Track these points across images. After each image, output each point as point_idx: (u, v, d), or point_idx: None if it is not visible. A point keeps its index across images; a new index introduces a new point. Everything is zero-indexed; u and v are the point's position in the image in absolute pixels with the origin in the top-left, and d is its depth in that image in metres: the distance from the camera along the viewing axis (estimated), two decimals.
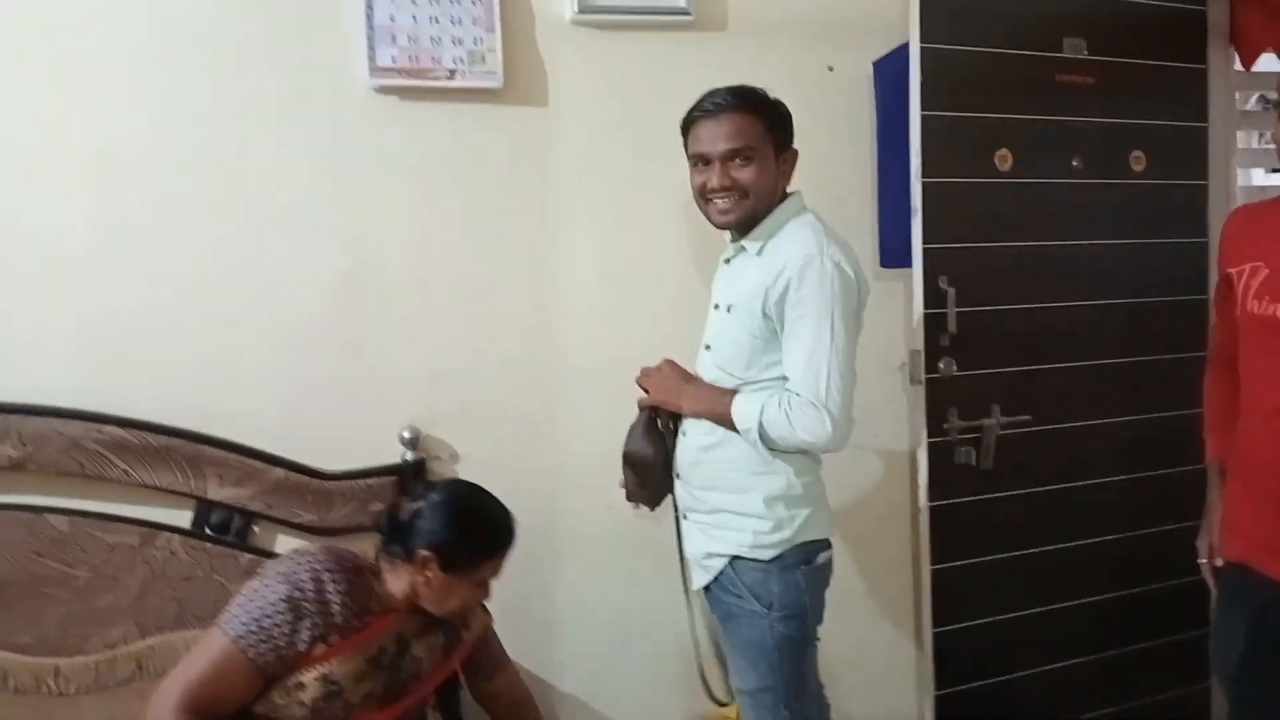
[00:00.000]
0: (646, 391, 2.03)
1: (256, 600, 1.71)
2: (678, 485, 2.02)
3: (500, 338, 2.45)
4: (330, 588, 1.73)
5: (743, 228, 1.91)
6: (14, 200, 2.15)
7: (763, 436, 1.82)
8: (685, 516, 2.02)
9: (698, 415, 1.93)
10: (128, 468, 2.17)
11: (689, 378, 2.00)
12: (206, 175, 2.24)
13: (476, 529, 1.86)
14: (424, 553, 1.79)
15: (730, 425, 1.86)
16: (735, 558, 1.89)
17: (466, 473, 2.42)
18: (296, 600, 1.70)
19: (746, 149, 1.83)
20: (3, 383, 2.14)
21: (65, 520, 2.16)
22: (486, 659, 2.07)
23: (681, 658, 2.58)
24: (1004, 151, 2.60)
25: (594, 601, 2.53)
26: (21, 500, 2.16)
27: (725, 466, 1.90)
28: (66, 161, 2.17)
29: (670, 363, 2.04)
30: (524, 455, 2.47)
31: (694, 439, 1.96)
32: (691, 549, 2.01)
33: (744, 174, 1.84)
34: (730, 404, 1.86)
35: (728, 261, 2.01)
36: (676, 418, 2.01)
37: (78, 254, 2.19)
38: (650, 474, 2.03)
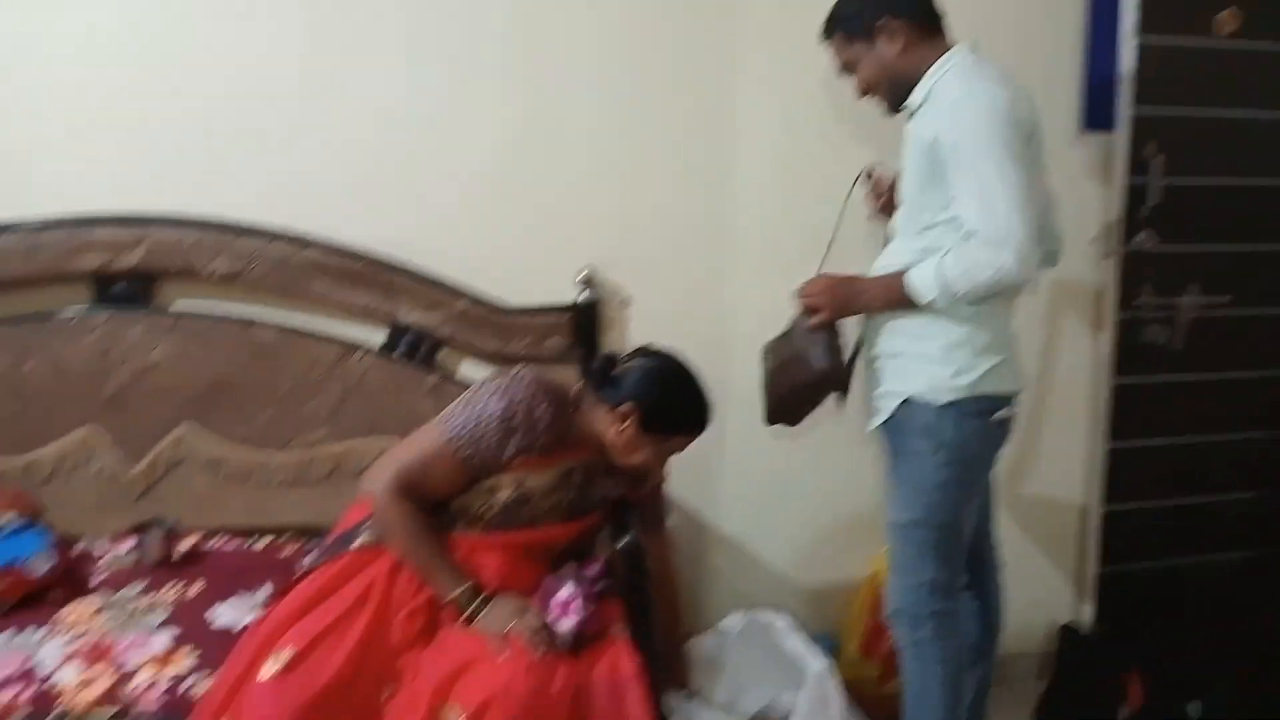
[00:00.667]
0: (812, 312, 1.98)
1: (476, 408, 1.84)
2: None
3: (680, 194, 2.47)
4: (539, 411, 1.85)
5: (898, 103, 1.93)
6: (259, 48, 2.30)
7: (948, 294, 1.80)
8: (862, 355, 2.02)
9: (877, 310, 1.93)
10: (328, 288, 2.33)
11: (852, 278, 1.97)
12: (405, 25, 2.32)
13: (682, 403, 1.94)
14: (628, 405, 1.88)
15: (911, 305, 1.85)
16: (910, 399, 1.89)
17: (636, 318, 2.49)
18: (510, 416, 1.82)
19: (846, 65, 1.96)
20: (222, 203, 2.31)
21: (273, 332, 2.34)
22: (649, 516, 2.14)
23: (835, 514, 2.63)
24: (1230, 11, 2.40)
25: (756, 451, 2.58)
26: (235, 312, 2.35)
27: (907, 313, 1.89)
28: (280, 6, 2.30)
29: (826, 274, 2.01)
30: (692, 307, 2.51)
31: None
32: (868, 388, 2.01)
33: (860, 80, 1.95)
34: (905, 282, 1.84)
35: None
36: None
37: (290, 94, 2.32)
38: (826, 393, 2.02)
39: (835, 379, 1.99)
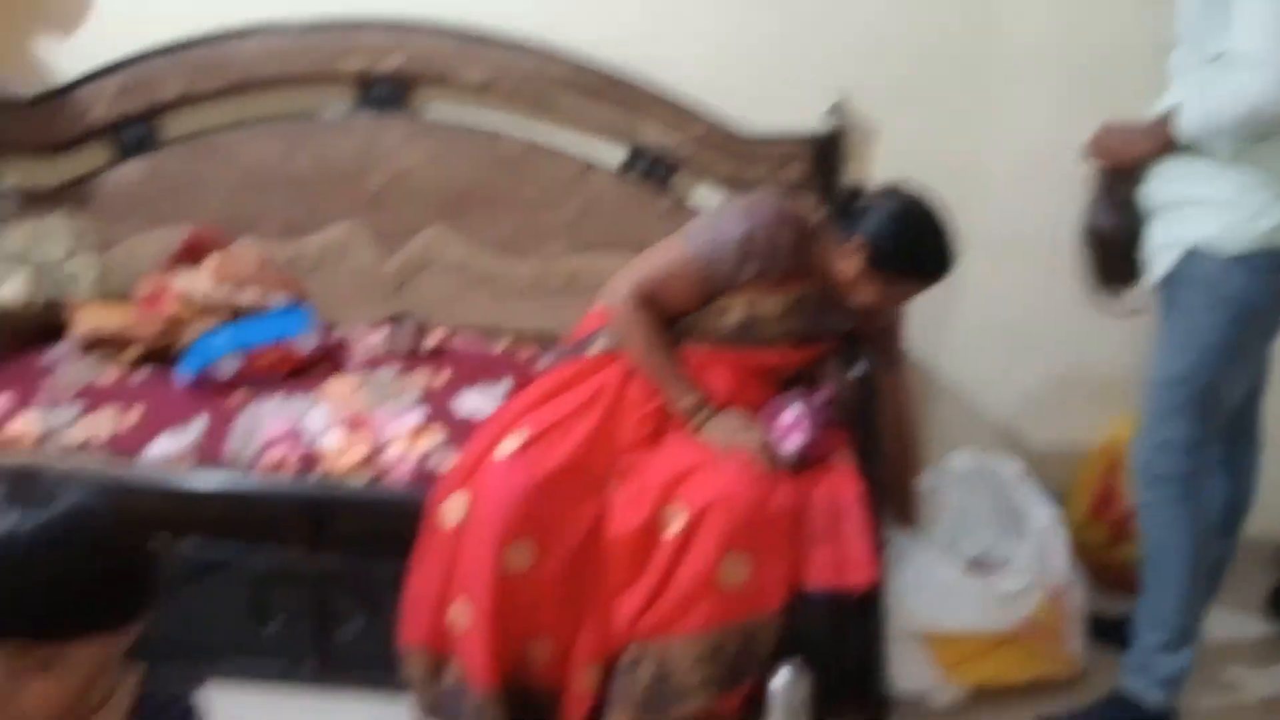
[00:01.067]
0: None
1: (720, 226, 1.86)
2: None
3: (934, 11, 2.31)
4: (780, 238, 1.83)
5: None
6: None
7: (1210, 127, 1.62)
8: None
9: (1151, 155, 1.74)
10: (574, 103, 2.34)
11: (1124, 123, 1.80)
12: None
13: (918, 245, 1.86)
14: (861, 239, 1.82)
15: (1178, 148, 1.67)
16: (1195, 250, 1.71)
17: (884, 151, 2.38)
18: (751, 239, 1.82)
19: None
20: (479, 12, 2.34)
21: (519, 145, 2.39)
22: (883, 353, 2.08)
23: (1075, 371, 2.49)
24: None
25: (998, 301, 2.46)
26: (485, 122, 2.41)
27: (1192, 156, 1.70)
28: None
29: (1106, 122, 1.83)
30: (946, 142, 2.37)
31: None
32: (1149, 240, 1.81)
33: None
34: (1171, 119, 1.65)
35: None
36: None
37: None
38: (1112, 251, 1.86)
39: (1119, 240, 1.83)
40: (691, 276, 1.85)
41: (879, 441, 1.88)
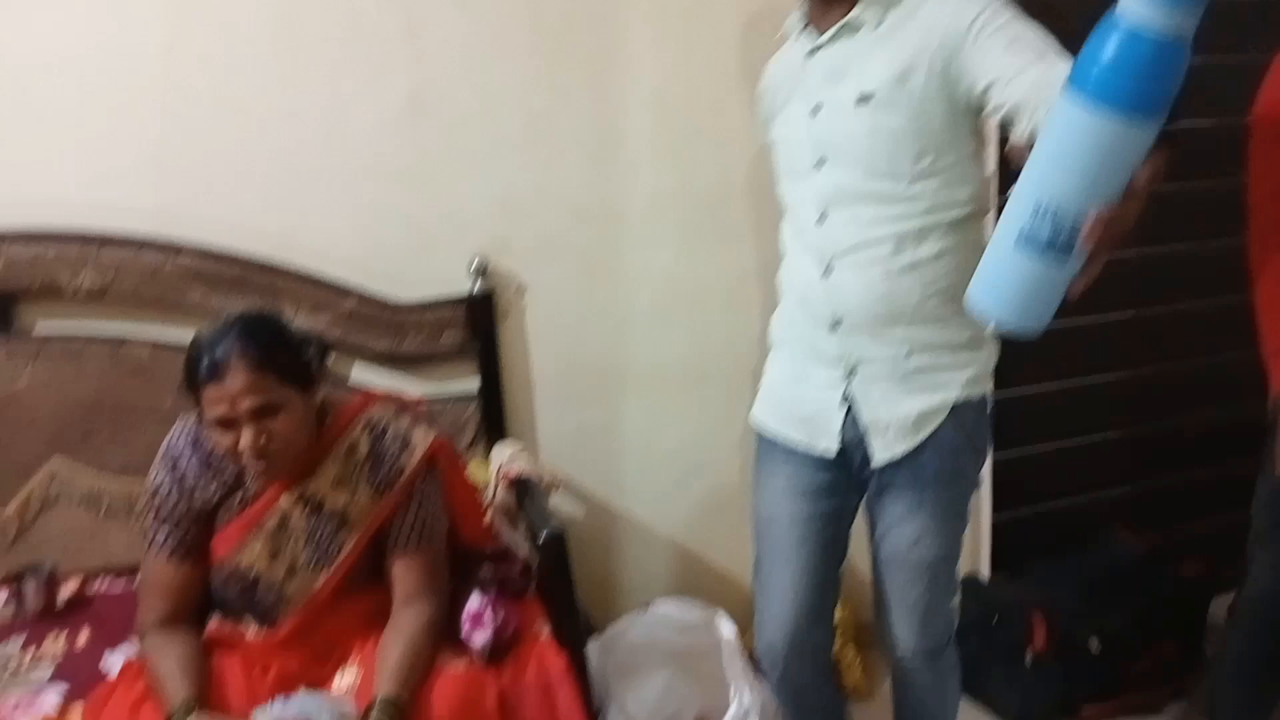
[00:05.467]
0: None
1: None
2: (835, 339, 1.71)
3: (565, 168, 2.41)
4: (179, 467, 1.70)
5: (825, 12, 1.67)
6: (84, 29, 2.11)
7: None
8: (852, 376, 1.73)
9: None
10: (204, 296, 2.20)
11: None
12: (272, 2, 2.18)
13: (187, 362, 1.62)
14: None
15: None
16: (957, 404, 1.68)
17: (535, 305, 2.44)
18: (150, 494, 1.72)
19: None
20: (81, 213, 2.14)
21: (147, 350, 2.19)
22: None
23: (739, 494, 2.63)
24: None
25: (657, 433, 2.56)
26: (105, 329, 2.19)
27: (924, 290, 1.64)
28: None
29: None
30: (590, 288, 2.47)
31: (860, 270, 1.66)
32: (879, 414, 1.71)
33: None
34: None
35: (813, 52, 1.70)
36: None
37: (149, 84, 2.15)
38: None
39: None
40: (151, 573, 1.68)
41: (574, 601, 1.87)
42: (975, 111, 1.58)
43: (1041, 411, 2.69)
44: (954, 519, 1.77)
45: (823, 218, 1.68)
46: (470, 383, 2.41)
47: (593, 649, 1.92)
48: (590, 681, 1.81)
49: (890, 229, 1.62)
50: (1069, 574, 2.57)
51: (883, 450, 1.71)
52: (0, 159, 2.11)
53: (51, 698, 1.70)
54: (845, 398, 1.73)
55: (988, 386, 1.74)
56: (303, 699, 1.47)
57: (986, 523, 2.72)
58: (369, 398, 1.81)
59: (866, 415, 1.71)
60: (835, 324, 1.70)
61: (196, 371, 1.58)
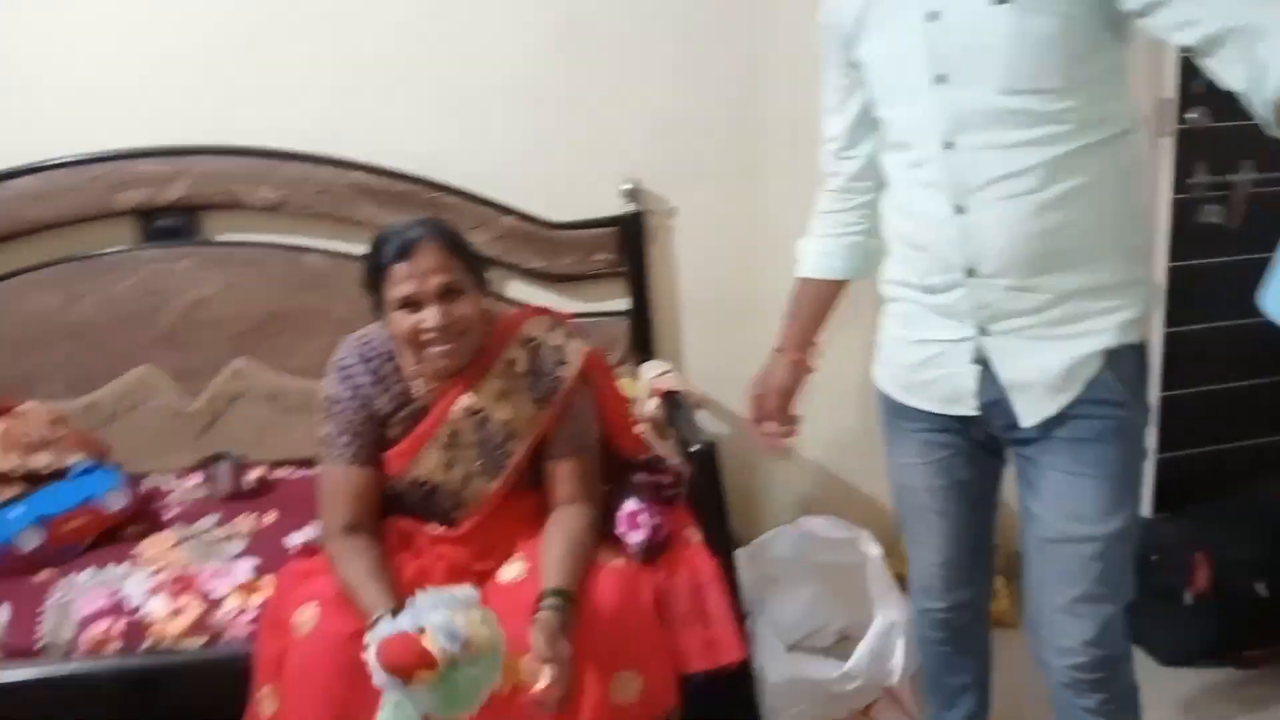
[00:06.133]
0: None
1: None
2: (966, 291, 1.46)
3: (716, 92, 2.41)
4: (351, 377, 1.77)
5: None
6: None
7: None
8: (985, 333, 1.48)
9: None
10: (374, 211, 2.30)
11: None
12: None
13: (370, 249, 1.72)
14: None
15: None
16: (1113, 350, 1.43)
17: (684, 228, 2.46)
18: (326, 401, 1.78)
19: None
20: (261, 130, 2.27)
21: (322, 259, 2.32)
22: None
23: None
24: None
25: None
26: (282, 240, 2.33)
27: (1079, 226, 1.41)
28: None
29: None
30: (738, 211, 2.47)
31: (1003, 207, 1.40)
32: (1024, 372, 1.46)
33: None
34: None
35: None
36: None
37: (323, 12, 2.27)
38: None
39: None
40: (333, 479, 1.75)
41: (725, 509, 1.90)
42: (1136, 14, 1.31)
43: (1214, 350, 2.57)
44: (1124, 488, 1.47)
45: (950, 146, 1.42)
46: (620, 303, 2.46)
47: (739, 558, 1.95)
48: (738, 588, 1.85)
49: (1038, 155, 1.38)
50: (1234, 518, 2.47)
51: (1029, 411, 1.46)
52: (184, 83, 2.25)
53: (244, 569, 1.86)
54: (978, 355, 1.48)
55: (1146, 331, 1.49)
56: (419, 602, 1.51)
57: (1151, 460, 2.62)
58: (524, 312, 1.87)
59: (1006, 374, 1.47)
60: (969, 272, 1.44)
61: (385, 252, 1.67)
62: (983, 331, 1.47)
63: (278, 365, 2.32)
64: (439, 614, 1.49)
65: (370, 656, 1.45)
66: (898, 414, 1.64)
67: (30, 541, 1.87)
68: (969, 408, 1.51)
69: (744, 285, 2.48)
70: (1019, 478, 1.55)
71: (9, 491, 1.97)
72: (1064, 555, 1.49)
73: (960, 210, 1.43)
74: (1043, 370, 1.44)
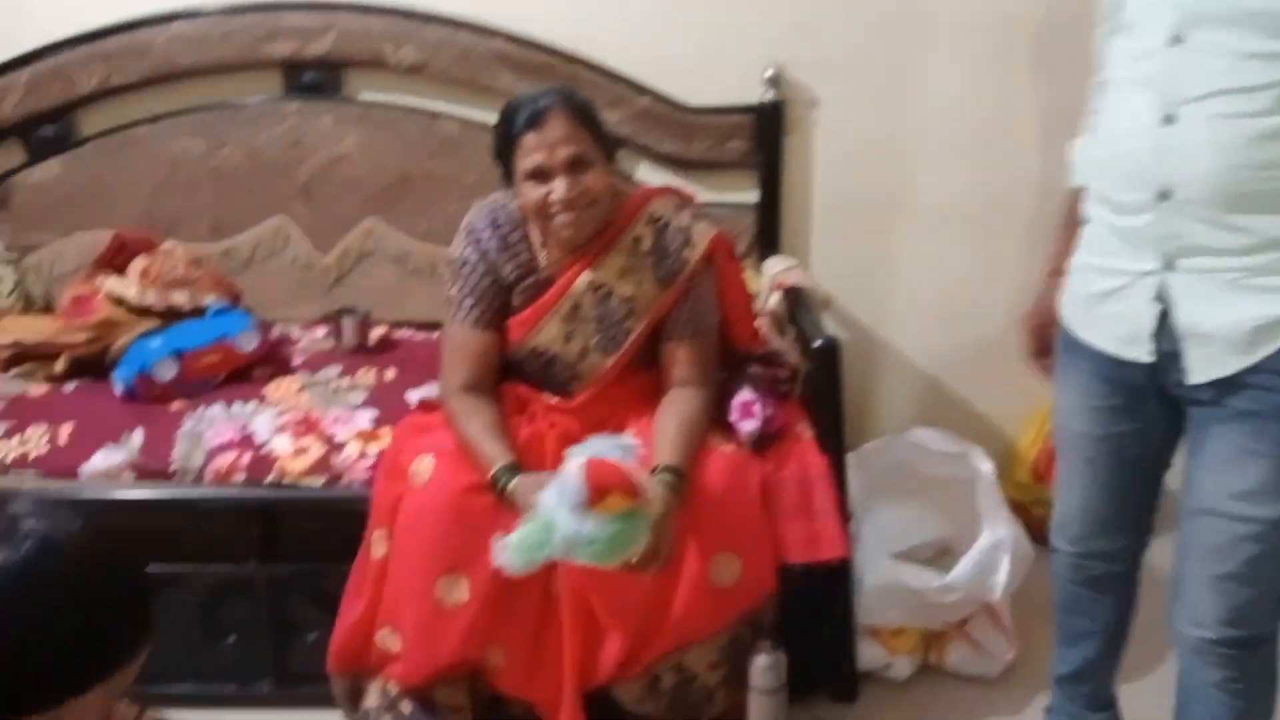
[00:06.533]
0: None
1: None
2: (1155, 216, 1.33)
3: None
4: (480, 241, 1.79)
5: None
6: None
7: None
8: (1171, 269, 1.35)
9: None
10: (511, 81, 2.28)
11: None
12: None
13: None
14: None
15: None
16: None
17: (824, 122, 2.38)
18: (454, 263, 1.80)
19: None
20: None
21: (457, 125, 2.33)
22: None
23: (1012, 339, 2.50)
24: None
25: (932, 268, 2.46)
26: (420, 104, 2.34)
27: None
28: None
29: None
30: (882, 108, 2.37)
31: (1217, 124, 1.27)
32: (1205, 320, 1.33)
33: None
34: None
35: None
36: None
37: None
38: None
39: None
40: (456, 339, 1.77)
41: (841, 408, 1.87)
42: None
43: None
44: None
45: (1177, 41, 1.28)
46: (749, 194, 2.40)
47: (848, 462, 1.92)
48: (845, 488, 1.83)
49: (1274, 72, 1.23)
50: None
51: (1203, 366, 1.34)
52: None
53: (364, 418, 1.92)
54: (1160, 293, 1.36)
55: None
56: (597, 441, 1.58)
57: None
58: (652, 191, 1.85)
59: (1184, 318, 1.34)
60: (1162, 195, 1.31)
61: (514, 122, 1.66)
62: (1168, 266, 1.34)
63: (406, 228, 2.35)
64: (629, 459, 1.54)
65: (571, 470, 1.48)
66: (1071, 349, 1.51)
67: (167, 372, 1.96)
68: (1144, 353, 1.38)
69: (883, 187, 2.39)
70: (1186, 436, 1.44)
71: (148, 325, 2.06)
72: (1216, 529, 1.38)
73: (1169, 120, 1.30)
74: (1227, 323, 1.31)
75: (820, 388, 1.87)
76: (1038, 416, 2.39)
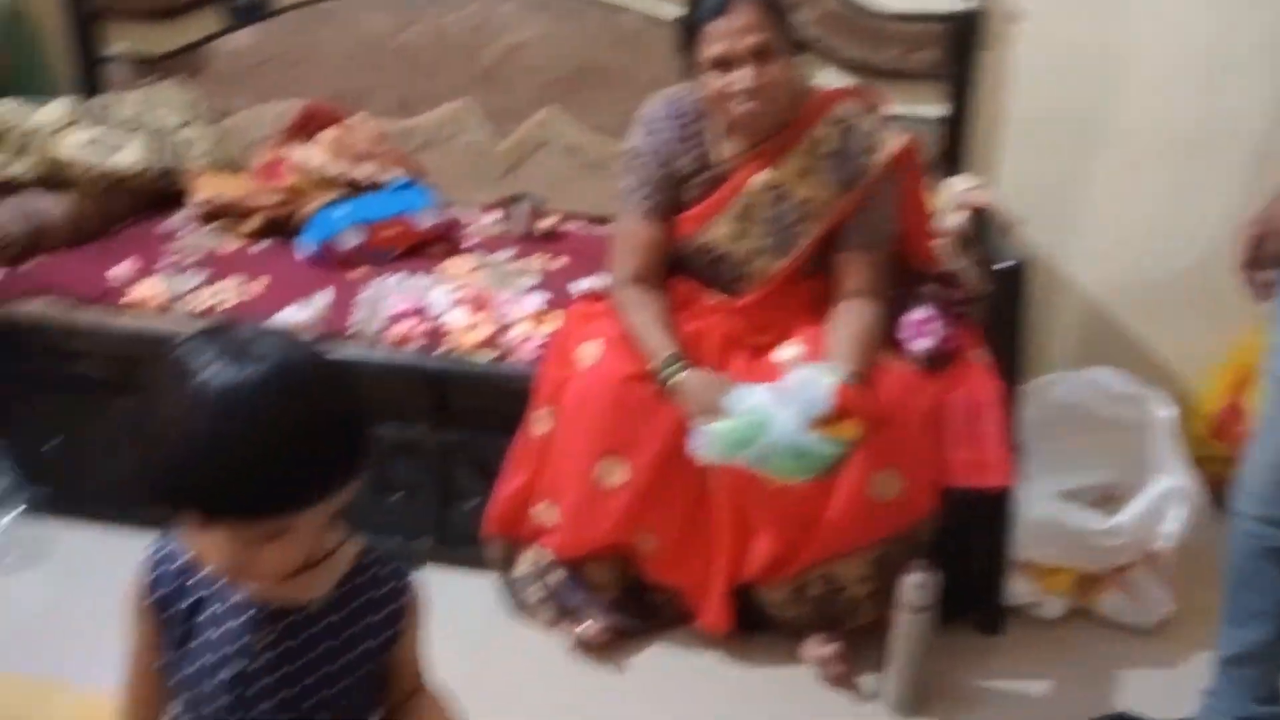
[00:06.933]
0: None
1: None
2: None
3: None
4: (657, 130, 1.79)
5: None
6: None
7: None
8: None
9: None
10: None
11: None
12: None
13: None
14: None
15: None
16: None
17: (1026, 35, 2.24)
18: (629, 152, 1.82)
19: None
20: None
21: (639, 19, 2.29)
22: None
23: (1205, 283, 2.35)
24: None
25: (1128, 199, 2.32)
26: None
27: None
28: None
29: None
30: (1092, 26, 2.22)
31: None
32: None
33: None
34: None
35: None
36: None
37: None
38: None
39: None
40: (627, 230, 1.77)
41: (1020, 334, 1.80)
42: None
43: None
44: None
45: None
46: (936, 108, 2.30)
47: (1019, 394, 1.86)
48: (1016, 418, 1.77)
49: None
50: None
51: None
52: None
53: (534, 301, 1.95)
54: None
55: None
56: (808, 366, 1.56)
57: None
58: (839, 92, 1.79)
59: None
60: None
61: (701, 9, 1.63)
62: None
63: (582, 120, 2.35)
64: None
65: (805, 383, 1.52)
66: None
67: (351, 240, 2.04)
68: None
69: (1085, 108, 2.25)
70: None
71: (333, 194, 2.13)
72: None
73: None
74: None
75: (1000, 313, 1.80)
76: (1226, 368, 2.25)
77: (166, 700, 1.01)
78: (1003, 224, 2.05)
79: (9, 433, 2.02)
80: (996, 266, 1.79)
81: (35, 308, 1.98)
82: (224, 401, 0.80)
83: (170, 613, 0.96)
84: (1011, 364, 1.79)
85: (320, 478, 0.84)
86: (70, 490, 2.04)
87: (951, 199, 2.10)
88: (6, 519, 1.97)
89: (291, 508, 0.83)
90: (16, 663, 1.68)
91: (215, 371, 0.81)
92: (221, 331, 0.86)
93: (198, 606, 0.96)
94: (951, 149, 2.29)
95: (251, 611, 0.95)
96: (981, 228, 2.01)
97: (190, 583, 0.96)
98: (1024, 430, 1.84)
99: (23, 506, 2.00)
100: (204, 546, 0.91)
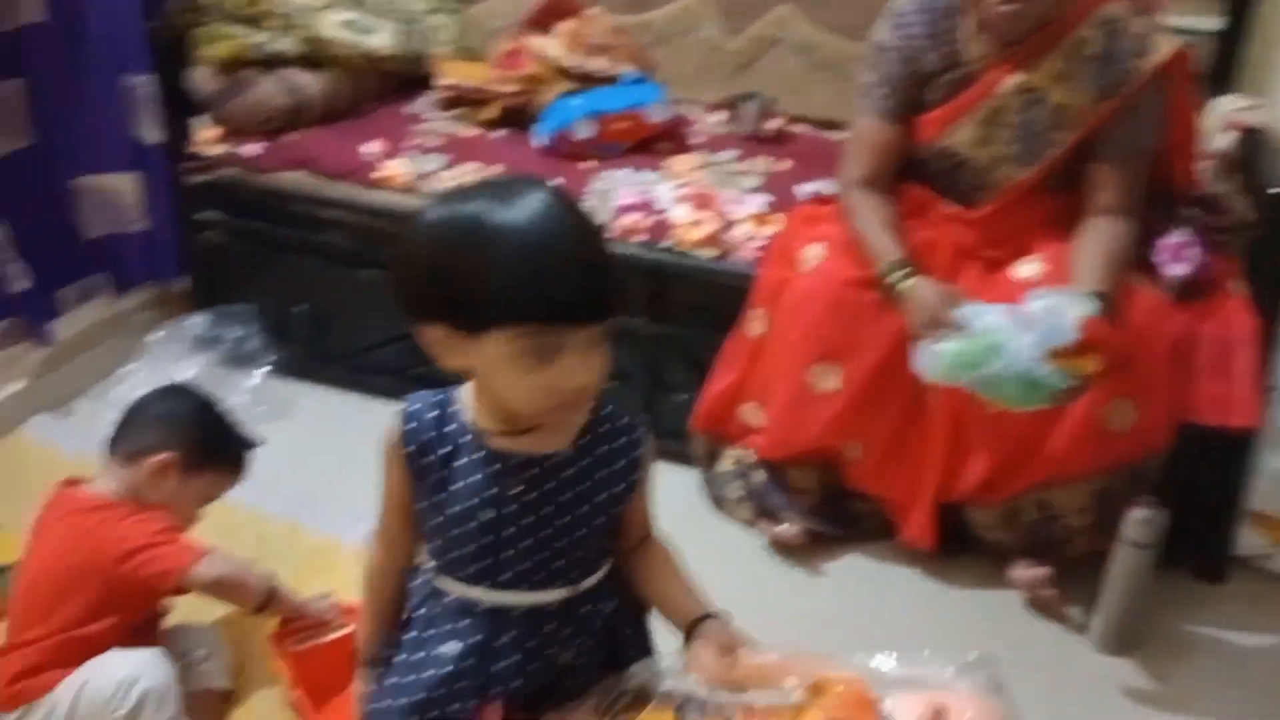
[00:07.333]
0: None
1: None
2: None
3: None
4: (906, 26, 1.71)
5: None
6: None
7: None
8: None
9: None
10: None
11: None
12: None
13: None
14: None
15: None
16: None
17: None
18: (875, 47, 1.74)
19: None
20: None
21: None
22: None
23: None
24: None
25: None
26: None
27: None
28: None
29: None
30: None
31: None
32: None
33: None
34: None
35: None
36: None
37: None
38: None
39: None
40: (862, 128, 1.71)
41: None
42: None
43: None
44: None
45: None
46: (1209, 20, 2.10)
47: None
48: (1272, 358, 1.64)
49: None
50: None
51: None
52: None
53: (758, 201, 1.94)
54: None
55: None
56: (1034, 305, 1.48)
57: None
58: None
59: None
60: None
61: None
62: None
63: (818, 18, 2.28)
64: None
65: (1049, 309, 1.45)
66: None
67: (584, 131, 2.08)
68: None
69: None
70: None
71: (568, 85, 2.17)
72: None
73: None
74: None
75: (1264, 244, 1.66)
76: None
77: (418, 544, 1.10)
78: (1275, 149, 1.87)
79: (261, 295, 2.20)
80: (1267, 193, 1.64)
81: (292, 178, 2.12)
82: (531, 220, 0.90)
83: (424, 462, 1.03)
84: (1273, 300, 1.65)
85: (606, 290, 0.94)
86: (313, 353, 2.20)
87: (1220, 118, 1.92)
88: (257, 375, 2.15)
89: (586, 315, 0.92)
90: (261, 501, 1.81)
91: (508, 208, 0.91)
92: (470, 190, 0.97)
93: (450, 458, 1.03)
94: (1224, 66, 2.09)
95: (498, 464, 1.01)
96: (1251, 151, 1.84)
97: (444, 433, 1.03)
98: (1277, 372, 1.71)
99: (270, 365, 2.17)
100: (493, 383, 0.97)
